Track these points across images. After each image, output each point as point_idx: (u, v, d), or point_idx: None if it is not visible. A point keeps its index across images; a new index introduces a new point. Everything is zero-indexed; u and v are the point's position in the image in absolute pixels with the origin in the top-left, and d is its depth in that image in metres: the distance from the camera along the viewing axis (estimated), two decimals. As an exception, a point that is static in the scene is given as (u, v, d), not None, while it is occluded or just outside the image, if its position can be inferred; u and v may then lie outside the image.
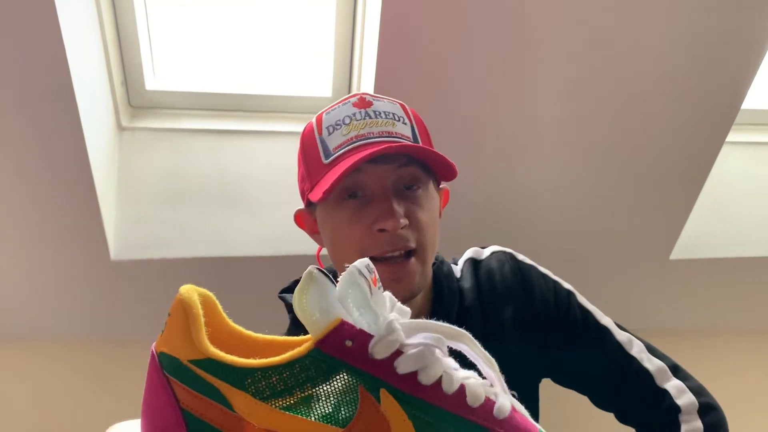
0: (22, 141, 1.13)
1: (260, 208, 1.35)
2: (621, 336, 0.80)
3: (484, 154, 1.31)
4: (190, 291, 0.38)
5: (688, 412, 0.73)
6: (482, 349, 0.38)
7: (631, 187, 1.40)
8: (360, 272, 0.35)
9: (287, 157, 1.11)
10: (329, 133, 0.74)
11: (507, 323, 0.80)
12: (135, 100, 1.38)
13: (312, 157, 0.75)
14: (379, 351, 0.35)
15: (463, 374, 0.37)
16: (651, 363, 0.77)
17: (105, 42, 1.23)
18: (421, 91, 1.21)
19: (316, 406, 0.35)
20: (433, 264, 0.81)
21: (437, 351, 0.36)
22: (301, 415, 0.35)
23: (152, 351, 0.38)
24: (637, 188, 1.41)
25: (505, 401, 0.37)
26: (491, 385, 0.38)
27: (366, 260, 0.36)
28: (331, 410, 0.35)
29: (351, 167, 0.68)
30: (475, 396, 0.36)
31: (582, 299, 0.83)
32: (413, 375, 0.35)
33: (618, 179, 1.39)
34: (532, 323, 0.80)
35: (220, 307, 0.40)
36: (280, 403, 0.35)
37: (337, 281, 0.36)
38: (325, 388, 0.35)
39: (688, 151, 1.36)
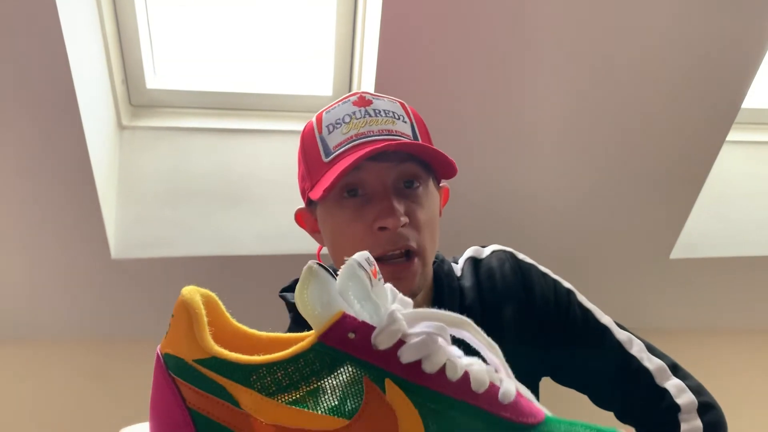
0: (22, 140, 1.13)
1: (261, 207, 1.35)
2: (621, 335, 0.80)
3: (484, 154, 1.31)
4: (192, 291, 0.38)
5: (687, 411, 0.73)
6: (485, 336, 0.39)
7: (631, 186, 1.40)
8: (359, 265, 0.35)
9: (288, 156, 1.12)
10: (329, 132, 0.74)
11: (507, 322, 0.80)
12: (135, 98, 1.38)
13: (312, 155, 0.75)
14: (381, 341, 0.35)
15: (466, 361, 0.37)
16: (651, 362, 0.77)
17: (106, 40, 1.23)
18: (421, 90, 1.21)
19: (322, 399, 0.35)
20: (434, 263, 0.81)
21: (440, 339, 0.36)
22: (308, 408, 0.35)
23: (157, 353, 0.39)
24: (637, 188, 1.41)
25: (510, 386, 0.37)
26: (496, 371, 0.38)
27: (365, 253, 0.36)
28: (337, 403, 0.35)
29: (351, 165, 0.69)
30: (479, 382, 0.36)
31: (582, 298, 0.83)
32: (417, 364, 0.36)
33: (618, 179, 1.39)
34: (532, 322, 0.80)
35: (222, 306, 0.40)
36: (286, 398, 0.35)
37: (337, 275, 0.36)
38: (330, 381, 0.35)
39: (688, 151, 1.36)
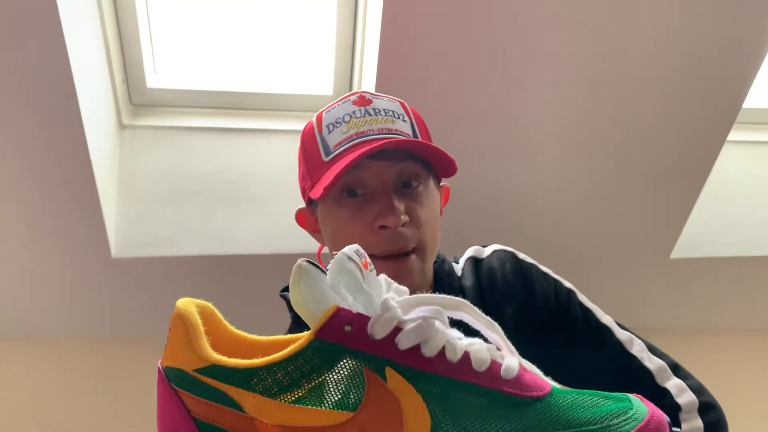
0: (23, 139, 1.13)
1: (261, 207, 1.35)
2: (621, 335, 0.80)
3: (484, 154, 1.31)
4: (186, 303, 0.39)
5: (688, 410, 0.73)
6: (483, 315, 0.39)
7: (631, 186, 1.40)
8: (349, 258, 0.36)
9: (288, 156, 1.12)
10: (329, 131, 0.74)
11: (508, 322, 0.79)
12: (136, 97, 1.38)
13: (312, 155, 0.75)
14: (378, 331, 0.35)
15: (466, 342, 0.37)
16: (651, 362, 0.77)
17: (106, 40, 1.23)
18: (421, 90, 1.21)
19: (325, 394, 0.35)
20: (434, 262, 0.81)
21: (437, 322, 0.36)
22: (312, 405, 0.35)
23: (158, 367, 0.39)
24: (638, 188, 1.41)
25: (512, 362, 0.37)
26: (498, 349, 0.38)
27: (355, 246, 0.36)
28: (340, 396, 0.35)
29: (351, 163, 0.69)
30: (480, 361, 0.36)
31: (582, 298, 0.83)
32: (416, 349, 0.36)
33: (618, 178, 1.39)
34: (533, 322, 0.80)
35: (219, 315, 0.41)
36: (289, 397, 0.36)
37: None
38: (331, 376, 0.35)
39: (688, 150, 1.36)
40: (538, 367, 0.84)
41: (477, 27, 1.14)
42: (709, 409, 0.74)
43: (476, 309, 0.38)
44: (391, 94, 0.80)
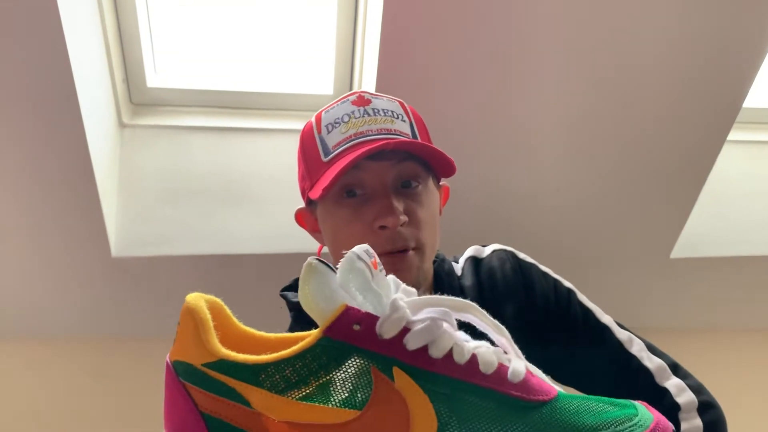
0: (23, 138, 1.13)
1: (262, 206, 1.35)
2: (621, 334, 0.80)
3: (484, 154, 1.31)
4: (196, 298, 0.39)
5: (687, 410, 0.73)
6: (491, 318, 0.39)
7: (631, 186, 1.40)
8: (359, 257, 0.36)
9: (289, 155, 1.11)
10: (328, 132, 0.74)
11: (508, 321, 0.79)
12: (136, 97, 1.38)
13: (311, 155, 0.75)
14: (386, 330, 0.36)
15: (474, 344, 0.38)
16: (651, 361, 0.77)
17: (106, 39, 1.23)
18: (421, 90, 1.21)
19: (332, 392, 0.35)
20: (434, 262, 0.81)
21: (445, 324, 0.37)
22: (319, 403, 0.35)
23: (167, 362, 0.39)
24: (638, 187, 1.41)
25: (519, 365, 0.37)
26: (504, 352, 0.38)
27: (365, 245, 0.37)
28: (347, 395, 0.35)
29: (350, 164, 0.69)
30: (487, 363, 0.37)
31: (582, 297, 0.83)
32: (424, 350, 0.36)
33: (618, 178, 1.39)
34: (533, 321, 0.80)
35: (228, 311, 0.41)
36: (297, 394, 0.36)
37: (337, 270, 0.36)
38: (338, 374, 0.36)
39: (689, 150, 1.36)
40: (539, 366, 0.84)
41: (477, 27, 1.14)
42: (708, 409, 0.74)
43: (484, 312, 0.38)
44: (391, 93, 0.80)
